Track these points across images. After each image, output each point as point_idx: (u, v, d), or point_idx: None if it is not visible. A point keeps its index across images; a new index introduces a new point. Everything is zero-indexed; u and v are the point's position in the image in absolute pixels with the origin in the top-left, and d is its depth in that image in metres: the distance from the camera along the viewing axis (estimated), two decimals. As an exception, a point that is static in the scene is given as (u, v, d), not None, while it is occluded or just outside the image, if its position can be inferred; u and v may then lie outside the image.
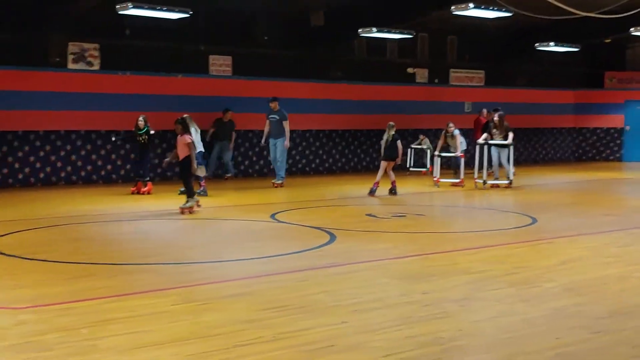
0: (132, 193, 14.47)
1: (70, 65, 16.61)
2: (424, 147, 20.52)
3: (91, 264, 7.89)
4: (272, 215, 11.79)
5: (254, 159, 19.41)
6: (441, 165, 17.47)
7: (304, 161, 20.30)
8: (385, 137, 15.07)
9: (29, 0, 15.49)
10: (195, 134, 13.24)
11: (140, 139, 14.59)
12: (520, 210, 12.91)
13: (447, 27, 21.69)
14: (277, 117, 16.17)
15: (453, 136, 17.16)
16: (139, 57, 17.35)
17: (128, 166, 17.28)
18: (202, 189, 13.99)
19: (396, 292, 6.67)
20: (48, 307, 6.00)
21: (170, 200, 13.89)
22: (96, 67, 16.93)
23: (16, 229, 10.14)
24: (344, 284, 6.94)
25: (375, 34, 18.79)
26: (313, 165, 20.39)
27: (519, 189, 16.39)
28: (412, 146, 20.76)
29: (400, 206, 13.58)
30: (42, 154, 16.23)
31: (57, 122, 16.32)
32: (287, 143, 16.28)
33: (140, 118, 14.58)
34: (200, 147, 13.74)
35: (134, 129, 14.64)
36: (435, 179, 16.80)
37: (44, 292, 6.52)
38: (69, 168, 16.60)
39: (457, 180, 16.79)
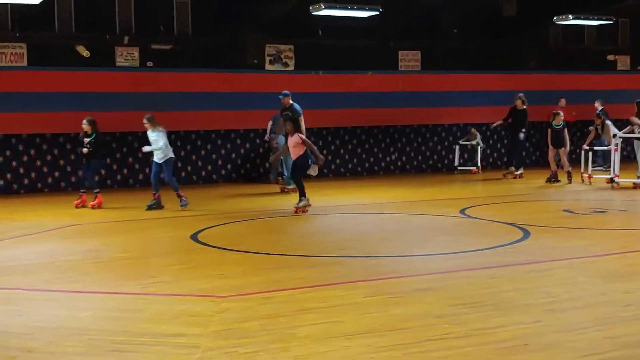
0: (77, 207, 12.50)
1: (268, 67, 17.40)
2: (474, 142, 18.52)
3: (287, 255, 8.24)
4: (462, 211, 11.65)
5: (444, 153, 19.28)
6: (585, 160, 15.61)
7: (495, 155, 19.86)
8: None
9: (227, 5, 16.39)
10: (163, 136, 12.20)
11: (85, 145, 12.52)
12: None
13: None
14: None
15: (605, 127, 15.68)
16: (331, 56, 17.81)
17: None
18: (182, 201, 12.23)
19: (595, 291, 6.37)
20: (249, 295, 6.35)
21: (356, 195, 14.16)
22: (291, 67, 17.60)
23: (215, 222, 10.77)
24: (538, 282, 6.74)
25: (572, 21, 17.96)
26: (505, 159, 19.87)
27: None
28: (460, 142, 18.80)
29: (601, 201, 12.91)
30: (242, 151, 17.13)
31: (255, 121, 17.13)
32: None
33: (85, 122, 12.56)
34: (170, 153, 12.33)
35: (80, 134, 12.75)
36: (587, 175, 15.34)
37: (245, 282, 6.91)
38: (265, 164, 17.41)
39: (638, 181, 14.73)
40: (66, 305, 6.22)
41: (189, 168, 16.65)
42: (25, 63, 15.13)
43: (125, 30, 16.03)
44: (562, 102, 18.72)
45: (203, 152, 16.78)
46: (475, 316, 5.58)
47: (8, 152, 14.95)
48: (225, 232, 10.09)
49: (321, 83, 17.84)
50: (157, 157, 12.32)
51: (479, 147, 18.48)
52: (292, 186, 13.87)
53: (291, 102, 14.26)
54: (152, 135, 12.38)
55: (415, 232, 10.11)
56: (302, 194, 11.67)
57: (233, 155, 17.08)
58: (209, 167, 16.89)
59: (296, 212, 11.57)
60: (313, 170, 12.14)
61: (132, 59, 16.13)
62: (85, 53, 15.45)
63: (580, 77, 20.55)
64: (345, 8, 15.31)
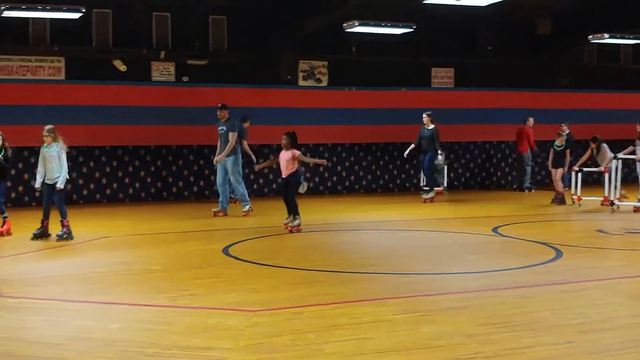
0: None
1: (301, 82, 17.50)
2: (441, 162, 17.52)
3: (317, 270, 8.25)
4: (495, 229, 11.57)
5: (476, 170, 19.17)
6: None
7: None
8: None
9: (262, 22, 16.54)
10: (61, 152, 10.54)
11: None
12: None
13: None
14: (225, 129, 13.33)
15: (600, 150, 15.34)
16: (364, 73, 17.87)
17: (334, 178, 17.77)
18: (63, 231, 10.53)
19: (627, 312, 6.28)
20: (279, 310, 6.37)
21: (387, 211, 14.14)
22: (324, 83, 17.68)
23: (246, 237, 10.81)
24: (570, 303, 6.66)
25: (607, 39, 17.79)
26: (538, 177, 19.70)
27: None
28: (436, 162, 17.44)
29: (635, 222, 12.73)
30: (275, 166, 17.22)
31: (267, 137, 17.18)
32: (220, 157, 13.28)
33: None
34: (64, 172, 10.55)
35: None
36: (575, 197, 14.95)
37: (275, 296, 6.93)
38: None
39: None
40: (97, 316, 6.29)
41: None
42: (63, 77, 15.42)
43: (162, 46, 16.26)
44: (530, 121, 18.11)
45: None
46: (505, 336, 5.53)
47: (45, 164, 15.17)
48: (255, 246, 10.13)
49: (354, 99, 17.89)
50: (53, 178, 10.46)
51: (444, 167, 17.60)
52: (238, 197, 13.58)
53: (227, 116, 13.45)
54: (50, 151, 10.51)
55: (447, 249, 10.05)
56: (297, 212, 11.22)
57: (265, 169, 17.15)
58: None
59: (291, 231, 11.13)
60: (302, 188, 11.59)
61: (168, 74, 16.35)
62: (122, 68, 15.70)
63: (614, 96, 20.35)
64: (379, 25, 15.35)
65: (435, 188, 16.70)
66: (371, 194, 17.56)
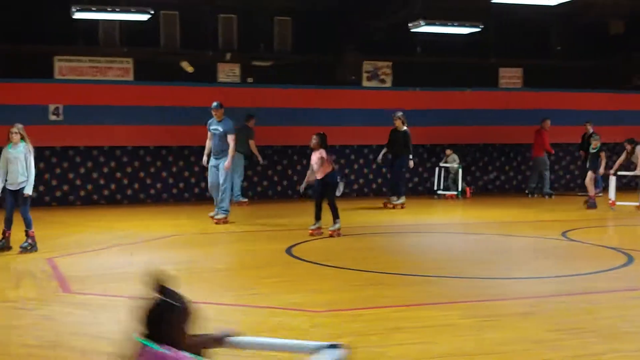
0: None
1: (365, 83, 17.46)
2: (454, 164, 16.84)
3: (380, 272, 8.20)
4: (564, 233, 11.31)
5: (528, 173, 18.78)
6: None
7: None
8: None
9: (327, 23, 16.56)
10: (29, 154, 9.39)
11: None
12: None
13: None
14: (222, 130, 12.24)
15: (635, 152, 14.71)
16: (428, 73, 17.72)
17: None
18: (28, 242, 9.41)
19: None
20: (341, 312, 6.36)
21: (453, 214, 13.97)
22: (388, 84, 17.60)
23: (309, 237, 10.74)
24: (642, 310, 6.46)
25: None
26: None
27: None
28: (441, 164, 17.08)
29: None
30: (336, 167, 17.23)
31: (353, 138, 17.19)
32: (227, 164, 12.08)
33: None
34: (32, 176, 9.42)
35: None
36: (610, 201, 14.40)
37: (337, 297, 6.92)
38: (361, 180, 17.42)
39: None
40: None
41: (285, 182, 16.84)
42: (131, 78, 15.74)
43: (228, 47, 16.45)
44: (547, 123, 17.16)
45: (299, 167, 16.96)
46: (574, 342, 5.40)
47: (113, 164, 15.53)
48: (319, 247, 10.14)
49: (419, 100, 17.75)
50: (18, 182, 9.33)
51: (459, 170, 16.78)
52: (223, 216, 12.17)
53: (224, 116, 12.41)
54: (15, 152, 9.34)
55: (513, 253, 9.88)
56: (337, 215, 10.78)
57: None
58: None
59: (332, 235, 10.71)
60: (338, 190, 11.06)
61: (234, 75, 16.53)
62: (190, 69, 15.93)
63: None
64: (446, 24, 15.19)
65: (446, 192, 16.48)
66: (434, 196, 17.38)
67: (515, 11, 15.17)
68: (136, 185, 15.68)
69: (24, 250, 9.31)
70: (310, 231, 10.78)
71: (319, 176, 10.84)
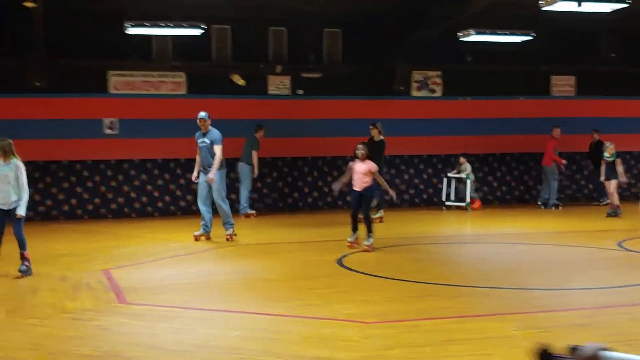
0: None
1: (414, 93, 17.40)
2: (464, 175, 16.32)
3: (432, 284, 8.14)
4: (619, 243, 11.07)
5: (582, 182, 18.43)
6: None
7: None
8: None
9: (376, 33, 16.55)
10: (20, 172, 8.67)
11: None
12: None
13: None
14: (208, 142, 11.58)
15: None
16: (479, 82, 17.57)
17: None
18: (26, 265, 8.71)
19: None
20: (394, 323, 6.32)
21: (506, 224, 13.79)
22: (438, 93, 17.51)
23: (360, 248, 10.60)
24: None
25: None
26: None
27: None
28: (449, 175, 16.62)
29: None
30: (387, 177, 17.19)
31: (403, 148, 17.13)
32: (211, 175, 11.32)
33: None
34: (26, 195, 8.73)
35: None
36: None
37: (389, 309, 6.89)
38: (411, 191, 17.33)
39: None
40: (219, 324, 6.44)
41: (334, 194, 16.85)
42: (184, 91, 15.98)
43: (278, 60, 16.58)
44: (556, 132, 16.60)
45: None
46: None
47: (167, 176, 15.76)
48: (369, 257, 10.11)
49: (469, 109, 17.61)
50: (10, 202, 8.65)
51: (468, 180, 16.25)
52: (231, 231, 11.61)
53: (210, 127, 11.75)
54: (4, 170, 8.65)
55: (569, 264, 9.70)
56: (371, 229, 10.48)
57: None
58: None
59: (366, 250, 10.37)
60: (373, 202, 10.76)
61: (284, 87, 16.65)
62: (241, 82, 16.09)
63: None
64: (496, 33, 15.05)
65: (460, 204, 16.10)
66: (489, 206, 17.19)
67: (566, 18, 14.93)
68: (188, 197, 15.87)
69: (24, 273, 8.59)
70: (349, 243, 10.60)
71: (357, 188, 10.54)
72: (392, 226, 13.39)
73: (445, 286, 8.03)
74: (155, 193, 15.72)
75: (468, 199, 16.18)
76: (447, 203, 16.39)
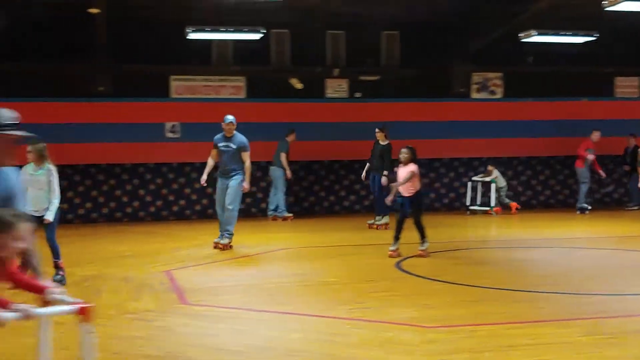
0: None
1: (474, 95, 17.24)
2: (488, 179, 15.91)
3: (492, 288, 8.05)
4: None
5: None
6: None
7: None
8: None
9: (435, 35, 16.44)
10: (52, 176, 8.35)
11: None
12: None
13: None
14: (235, 147, 11.05)
15: None
16: (540, 83, 17.30)
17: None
18: (61, 274, 8.44)
19: None
20: (454, 327, 6.28)
21: (567, 227, 13.54)
22: (499, 95, 17.31)
23: (417, 252, 10.50)
24: None
25: None
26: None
27: None
28: (474, 179, 16.24)
29: None
30: (446, 180, 17.06)
31: (462, 151, 16.98)
32: (247, 185, 11.02)
33: None
34: (57, 200, 8.36)
35: None
36: None
37: (449, 313, 6.84)
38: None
39: None
40: (278, 326, 6.51)
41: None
42: (244, 95, 16.16)
43: (336, 63, 16.63)
44: (595, 135, 15.90)
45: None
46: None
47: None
48: (428, 261, 10.04)
49: (531, 111, 17.35)
50: (42, 209, 8.21)
51: (493, 184, 15.87)
52: (227, 240, 10.99)
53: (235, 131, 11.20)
54: (37, 174, 8.31)
55: (632, 269, 9.47)
56: (425, 234, 10.18)
57: (438, 183, 17.04)
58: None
59: (422, 255, 10.14)
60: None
61: (341, 91, 16.69)
62: (299, 85, 16.19)
63: None
64: (558, 34, 14.79)
65: (484, 208, 15.77)
66: (548, 209, 16.91)
67: (629, 18, 14.59)
68: (247, 199, 16.03)
69: (60, 283, 8.02)
70: (390, 252, 10.19)
71: (405, 193, 10.09)
72: (463, 229, 13.34)
73: (504, 290, 7.93)
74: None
75: (492, 203, 15.81)
76: (472, 207, 16.09)
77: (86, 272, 9.27)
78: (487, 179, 16.14)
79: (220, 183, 11.14)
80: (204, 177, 11.36)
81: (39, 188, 8.25)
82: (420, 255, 10.16)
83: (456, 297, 7.59)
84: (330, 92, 16.68)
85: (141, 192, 15.62)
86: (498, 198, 16.03)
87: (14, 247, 3.64)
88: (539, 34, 14.50)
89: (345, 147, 16.57)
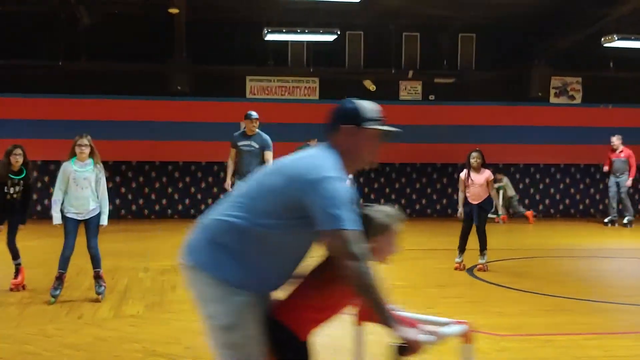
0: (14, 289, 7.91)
1: (552, 99, 16.87)
2: (496, 186, 14.26)
3: (569, 298, 7.87)
4: None
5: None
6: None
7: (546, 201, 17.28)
8: None
9: (512, 38, 16.17)
10: (101, 174, 7.48)
11: (11, 191, 7.87)
12: None
13: None
14: (257, 146, 10.11)
15: None
16: (622, 89, 16.82)
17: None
18: (104, 286, 7.59)
19: None
20: (529, 337, 6.16)
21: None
22: (578, 100, 16.90)
23: (490, 258, 10.18)
24: None
25: None
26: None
27: None
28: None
29: None
30: (540, 185, 16.76)
31: (539, 156, 16.65)
32: None
33: (18, 151, 7.86)
34: (106, 200, 7.49)
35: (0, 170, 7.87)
36: None
37: (524, 322, 6.71)
38: (547, 201, 16.81)
39: None
40: (346, 327, 6.48)
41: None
42: (317, 96, 16.23)
43: (410, 65, 16.54)
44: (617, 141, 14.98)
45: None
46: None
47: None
48: (499, 268, 9.88)
49: (611, 117, 16.89)
50: (88, 210, 7.36)
51: (500, 191, 15.16)
52: None
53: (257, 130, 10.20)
54: (83, 170, 7.38)
55: None
56: (486, 247, 9.49)
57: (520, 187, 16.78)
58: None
59: (484, 269, 9.45)
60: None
61: (415, 93, 16.58)
62: (372, 87, 16.17)
63: None
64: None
65: (491, 215, 14.92)
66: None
67: None
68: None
69: (102, 295, 7.47)
70: (456, 265, 9.58)
71: (475, 201, 9.42)
72: (535, 237, 13.06)
73: (581, 301, 7.74)
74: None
75: (500, 211, 14.98)
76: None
77: (164, 265, 9.45)
78: (496, 186, 15.73)
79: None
80: (228, 181, 10.31)
81: (85, 187, 7.32)
82: (480, 269, 9.44)
83: (530, 306, 7.44)
84: (403, 95, 16.60)
85: (215, 190, 15.86)
86: (508, 207, 15.70)
87: (389, 252, 3.22)
88: (621, 39, 14.09)
89: (419, 150, 16.46)
